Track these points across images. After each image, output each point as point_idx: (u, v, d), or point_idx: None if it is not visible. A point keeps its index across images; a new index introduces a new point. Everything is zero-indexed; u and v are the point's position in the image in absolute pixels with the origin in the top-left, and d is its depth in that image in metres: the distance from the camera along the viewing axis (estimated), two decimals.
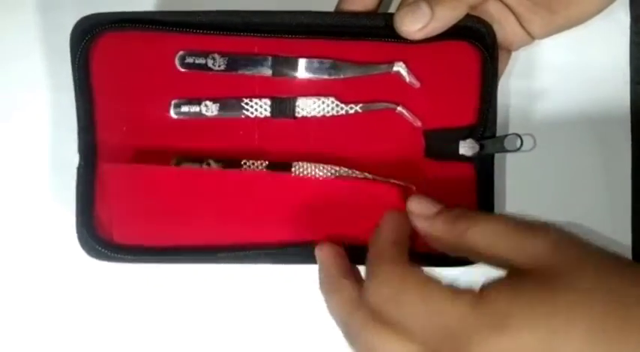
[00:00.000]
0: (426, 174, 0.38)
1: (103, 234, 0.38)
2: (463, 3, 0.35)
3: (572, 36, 0.38)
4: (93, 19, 0.37)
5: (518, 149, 0.37)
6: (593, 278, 0.27)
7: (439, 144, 0.38)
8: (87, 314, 0.43)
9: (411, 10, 0.35)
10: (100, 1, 0.38)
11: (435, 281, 0.29)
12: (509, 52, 0.40)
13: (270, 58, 0.37)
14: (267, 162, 0.38)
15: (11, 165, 0.43)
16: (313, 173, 0.38)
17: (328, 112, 0.37)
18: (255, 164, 0.38)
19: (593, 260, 0.28)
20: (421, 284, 0.29)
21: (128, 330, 0.43)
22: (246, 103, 0.38)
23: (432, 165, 0.38)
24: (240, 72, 0.37)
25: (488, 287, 0.28)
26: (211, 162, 0.38)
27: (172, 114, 0.38)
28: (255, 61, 0.37)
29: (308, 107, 0.37)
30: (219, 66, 0.37)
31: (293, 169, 0.38)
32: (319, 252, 0.36)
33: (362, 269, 0.34)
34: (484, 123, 0.37)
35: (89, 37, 0.37)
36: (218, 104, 0.38)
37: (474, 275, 0.30)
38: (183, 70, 0.37)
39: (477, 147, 0.37)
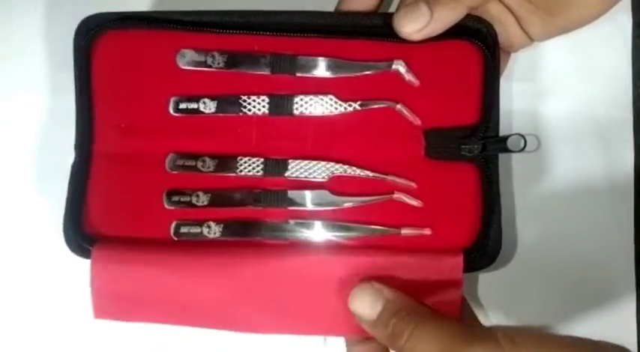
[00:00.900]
0: (425, 173, 0.37)
1: (91, 231, 0.38)
2: (462, 4, 0.35)
3: (575, 38, 0.38)
4: (98, 17, 0.37)
5: (522, 149, 0.37)
6: None
7: (439, 143, 0.37)
8: (73, 312, 0.42)
9: (410, 11, 0.35)
10: (101, 3, 0.39)
11: None
12: (508, 53, 0.40)
13: (269, 56, 0.37)
14: (262, 160, 0.37)
15: (9, 166, 0.43)
16: (310, 171, 0.37)
17: (327, 110, 0.37)
18: (251, 161, 0.38)
19: None
20: None
21: (120, 330, 0.42)
22: (244, 101, 0.37)
23: (433, 164, 0.37)
24: (239, 70, 0.37)
25: None
26: (207, 159, 0.38)
27: (171, 111, 0.38)
28: (254, 58, 0.37)
29: (306, 105, 0.37)
30: (218, 64, 0.37)
31: (289, 167, 0.37)
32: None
33: None
34: (486, 122, 0.37)
35: (92, 33, 0.37)
36: (216, 101, 0.37)
37: None
38: (182, 67, 0.37)
39: (478, 147, 0.37)
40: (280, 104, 0.37)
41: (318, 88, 0.37)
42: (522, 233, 0.41)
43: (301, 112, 0.37)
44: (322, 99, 0.37)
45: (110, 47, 0.38)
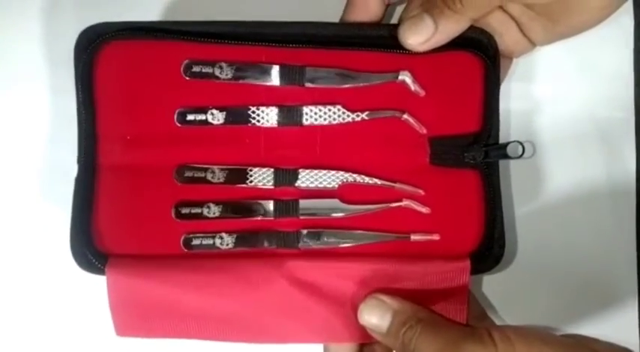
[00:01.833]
0: (431, 180, 0.38)
1: (101, 248, 0.37)
2: (466, 16, 0.36)
3: (576, 41, 0.39)
4: (99, 27, 0.37)
5: (520, 156, 0.38)
6: None
7: (444, 151, 0.38)
8: (77, 323, 0.41)
9: (415, 23, 0.36)
10: (103, 10, 0.38)
11: None
12: (510, 59, 0.40)
13: (277, 67, 0.37)
14: (273, 170, 0.38)
15: (9, 169, 0.42)
16: (321, 180, 0.38)
17: (335, 120, 0.38)
18: (261, 172, 0.38)
19: None
20: None
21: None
22: (253, 112, 0.38)
23: (437, 171, 0.38)
24: (247, 81, 0.37)
25: None
26: (216, 170, 0.38)
27: (177, 122, 0.37)
28: (262, 69, 0.37)
29: (315, 115, 0.38)
30: (226, 75, 0.37)
31: (300, 177, 0.38)
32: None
33: None
34: (488, 130, 0.38)
35: (94, 45, 0.36)
36: (225, 112, 0.38)
37: None
38: (188, 78, 0.37)
39: (481, 154, 0.38)
40: (290, 115, 0.38)
41: (327, 98, 0.38)
42: (523, 235, 0.42)
43: (310, 123, 0.38)
44: (331, 110, 0.38)
45: (113, 58, 0.37)
